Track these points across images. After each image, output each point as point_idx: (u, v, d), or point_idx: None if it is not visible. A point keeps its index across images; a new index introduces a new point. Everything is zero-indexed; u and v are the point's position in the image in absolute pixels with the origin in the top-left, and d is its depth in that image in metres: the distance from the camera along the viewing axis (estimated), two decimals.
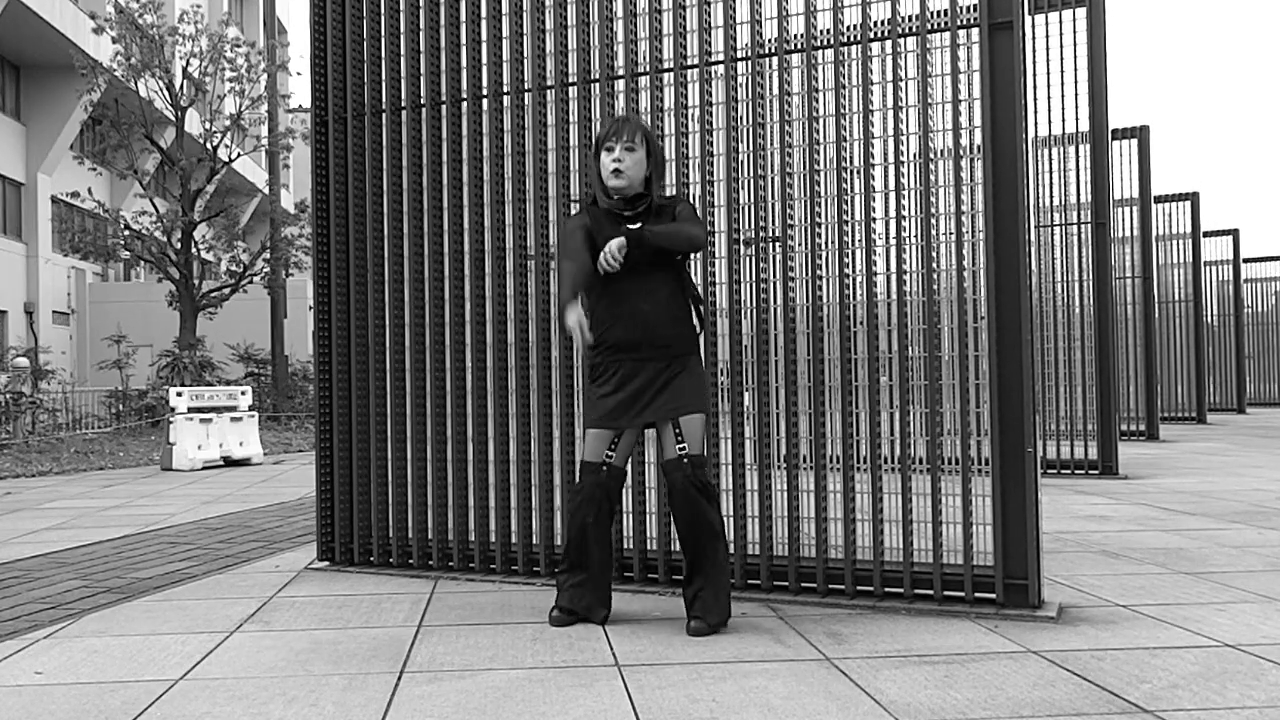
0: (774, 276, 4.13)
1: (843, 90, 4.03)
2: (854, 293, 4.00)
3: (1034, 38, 8.92)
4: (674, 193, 4.20)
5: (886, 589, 3.90)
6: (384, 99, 4.78)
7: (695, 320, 3.76)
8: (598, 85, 4.35)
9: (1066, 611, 3.78)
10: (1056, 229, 9.36)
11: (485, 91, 4.58)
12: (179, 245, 19.31)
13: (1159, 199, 16.68)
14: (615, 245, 3.46)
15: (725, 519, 3.74)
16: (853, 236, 4.01)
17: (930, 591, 3.82)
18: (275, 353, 20.28)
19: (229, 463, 11.72)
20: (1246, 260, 21.26)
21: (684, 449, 3.58)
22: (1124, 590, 4.16)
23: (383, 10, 4.78)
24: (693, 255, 4.20)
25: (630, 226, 3.58)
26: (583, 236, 3.64)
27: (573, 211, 4.29)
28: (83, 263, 25.79)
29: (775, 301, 4.14)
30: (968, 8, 3.79)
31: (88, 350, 26.49)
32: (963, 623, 3.63)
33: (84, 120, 23.80)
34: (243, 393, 12.32)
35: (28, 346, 22.15)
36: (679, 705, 2.79)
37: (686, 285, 3.73)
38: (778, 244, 4.13)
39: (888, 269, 3.99)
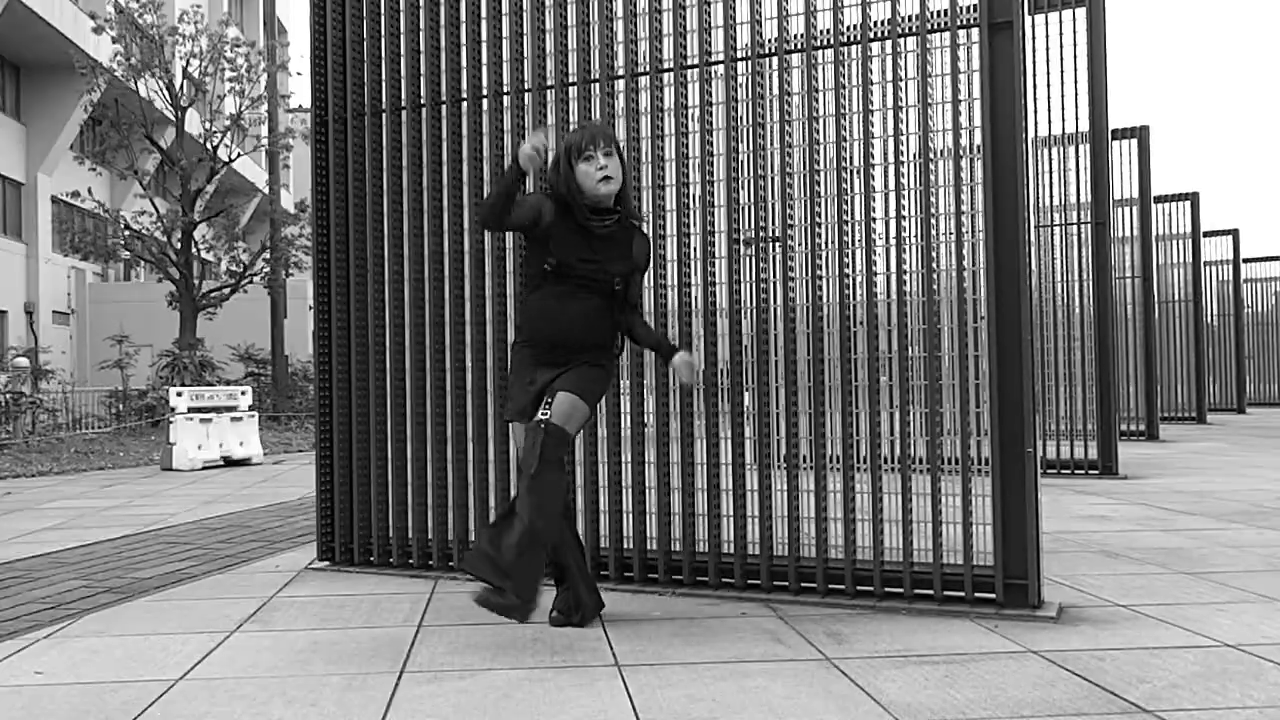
0: (774, 276, 4.13)
1: (843, 90, 4.03)
2: (854, 293, 4.00)
3: (1034, 38, 8.92)
4: (665, 194, 4.20)
5: (887, 589, 3.90)
6: (384, 99, 4.78)
7: (615, 342, 3.76)
8: (598, 85, 4.35)
9: (1066, 611, 3.78)
10: (1056, 229, 9.35)
11: (485, 91, 4.58)
12: (179, 245, 19.30)
13: (1159, 199, 16.65)
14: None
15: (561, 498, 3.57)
16: (853, 236, 4.01)
17: (930, 591, 3.82)
18: (275, 353, 20.27)
19: (229, 463, 11.71)
20: (1246, 260, 21.24)
21: (546, 415, 3.48)
22: (1124, 590, 4.16)
23: (383, 10, 4.78)
24: (693, 256, 4.21)
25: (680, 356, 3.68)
26: (550, 205, 3.62)
27: None
28: (83, 263, 25.79)
29: (775, 301, 4.14)
30: (968, 8, 3.79)
31: (88, 350, 26.48)
32: (963, 623, 3.63)
33: (84, 120, 23.79)
34: (243, 393, 12.31)
35: (28, 346, 22.15)
36: (679, 705, 2.79)
37: (614, 310, 3.71)
38: (778, 244, 4.13)
39: (888, 269, 3.99)
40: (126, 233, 19.99)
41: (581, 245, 3.60)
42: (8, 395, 14.89)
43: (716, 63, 4.19)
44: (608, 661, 3.23)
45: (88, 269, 27.60)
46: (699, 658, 3.24)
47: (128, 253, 20.49)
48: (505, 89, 4.53)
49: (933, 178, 3.85)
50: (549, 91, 4.44)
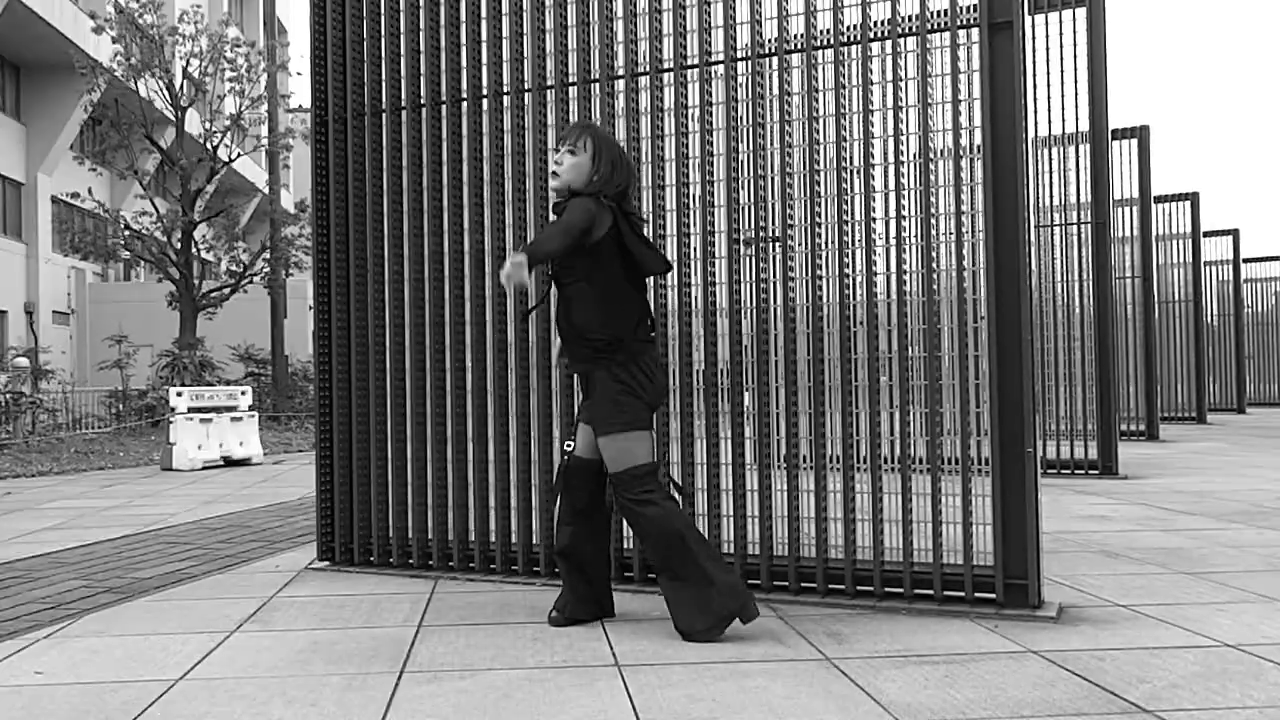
0: (774, 276, 4.13)
1: (843, 90, 4.03)
2: (854, 293, 4.00)
3: (1034, 38, 8.92)
4: (663, 195, 4.20)
5: (887, 589, 3.90)
6: (384, 99, 4.78)
7: (603, 330, 3.54)
8: (598, 85, 4.35)
9: (1066, 611, 3.78)
10: (1056, 229, 9.35)
11: (485, 91, 4.58)
12: (179, 245, 19.30)
13: (1159, 199, 16.66)
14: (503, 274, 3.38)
15: (676, 515, 3.54)
16: (853, 236, 4.01)
17: (930, 591, 3.82)
18: (275, 353, 20.28)
19: (229, 463, 11.72)
20: (1246, 260, 21.24)
21: (608, 470, 3.60)
22: (1124, 590, 4.16)
23: (383, 10, 4.78)
24: (693, 256, 4.20)
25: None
26: None
27: None
28: (83, 263, 25.80)
29: (775, 301, 4.14)
30: (968, 8, 3.79)
31: (88, 350, 26.49)
32: (963, 623, 3.63)
33: (84, 120, 23.80)
34: (243, 393, 12.32)
35: (28, 346, 22.16)
36: (679, 705, 2.79)
37: (606, 292, 3.56)
38: (778, 244, 4.13)
39: (888, 269, 3.99)
40: (126, 233, 20.00)
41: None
42: (8, 395, 14.90)
43: (716, 63, 4.19)
44: (608, 661, 3.23)
45: (88, 269, 27.60)
46: (699, 658, 3.24)
47: (128, 253, 20.50)
48: (505, 89, 4.53)
49: (933, 178, 3.85)
50: (549, 91, 4.44)
